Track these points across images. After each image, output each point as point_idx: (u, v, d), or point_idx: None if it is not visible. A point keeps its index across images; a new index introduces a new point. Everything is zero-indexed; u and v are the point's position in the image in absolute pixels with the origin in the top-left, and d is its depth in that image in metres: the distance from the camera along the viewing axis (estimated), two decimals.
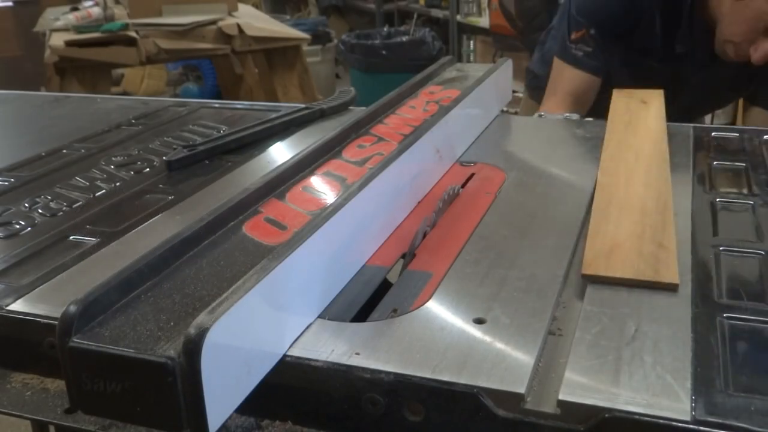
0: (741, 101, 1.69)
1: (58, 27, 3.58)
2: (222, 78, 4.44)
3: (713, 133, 1.13)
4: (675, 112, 1.21)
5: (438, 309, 0.67)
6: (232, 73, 3.75)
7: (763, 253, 0.76)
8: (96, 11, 3.62)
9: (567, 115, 1.26)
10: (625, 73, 1.57)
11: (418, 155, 0.89)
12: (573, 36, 1.51)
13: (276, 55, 3.78)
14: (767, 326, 0.63)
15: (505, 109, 1.27)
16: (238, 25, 3.53)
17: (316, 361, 0.60)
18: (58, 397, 0.67)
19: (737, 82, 1.54)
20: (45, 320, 0.67)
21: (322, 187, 0.81)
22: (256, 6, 5.22)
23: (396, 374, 0.58)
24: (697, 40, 1.44)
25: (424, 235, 0.82)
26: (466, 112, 1.07)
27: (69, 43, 3.32)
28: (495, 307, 0.67)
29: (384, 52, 4.60)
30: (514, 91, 1.36)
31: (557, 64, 1.45)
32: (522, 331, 0.63)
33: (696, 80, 1.52)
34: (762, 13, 1.31)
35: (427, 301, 0.68)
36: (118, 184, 1.01)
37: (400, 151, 0.84)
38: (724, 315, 0.64)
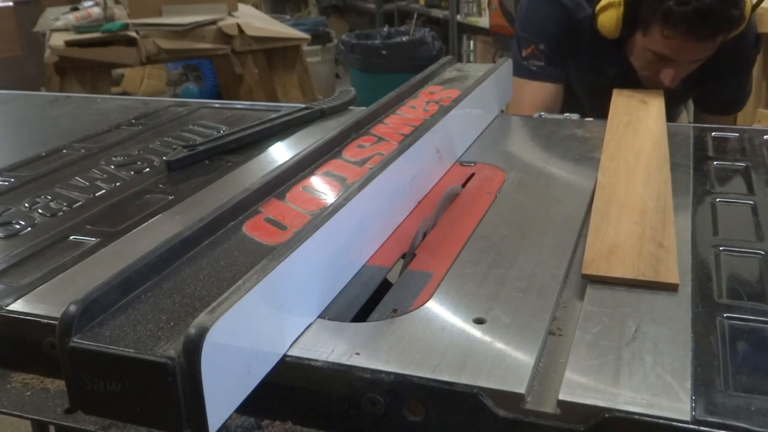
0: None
1: (58, 27, 3.58)
2: (222, 78, 4.43)
3: (713, 133, 1.13)
4: None
5: (438, 309, 0.67)
6: (232, 73, 3.75)
7: (763, 253, 0.76)
8: (96, 11, 3.61)
9: (567, 115, 1.26)
10: (580, 86, 1.63)
11: (418, 155, 0.89)
12: (524, 53, 1.57)
13: (276, 55, 3.78)
14: (767, 326, 0.63)
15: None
16: (238, 25, 3.53)
17: (316, 361, 0.60)
18: (58, 397, 0.67)
19: (686, 88, 1.57)
20: (45, 320, 0.67)
21: (322, 187, 0.81)
22: (256, 6, 5.22)
23: (396, 374, 0.58)
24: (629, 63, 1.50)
25: (424, 235, 0.82)
26: (466, 112, 1.07)
27: (69, 43, 3.32)
28: (495, 307, 0.67)
29: (384, 52, 4.59)
30: None
31: (516, 83, 1.47)
32: (522, 331, 0.63)
33: None
34: (642, 46, 1.40)
35: (427, 301, 0.68)
36: (118, 184, 1.01)
37: (400, 151, 0.84)
38: (724, 315, 0.64)
